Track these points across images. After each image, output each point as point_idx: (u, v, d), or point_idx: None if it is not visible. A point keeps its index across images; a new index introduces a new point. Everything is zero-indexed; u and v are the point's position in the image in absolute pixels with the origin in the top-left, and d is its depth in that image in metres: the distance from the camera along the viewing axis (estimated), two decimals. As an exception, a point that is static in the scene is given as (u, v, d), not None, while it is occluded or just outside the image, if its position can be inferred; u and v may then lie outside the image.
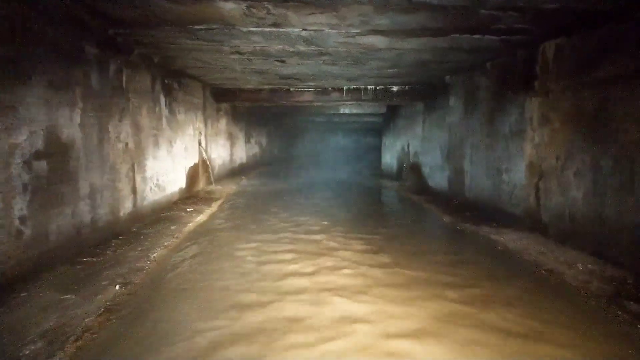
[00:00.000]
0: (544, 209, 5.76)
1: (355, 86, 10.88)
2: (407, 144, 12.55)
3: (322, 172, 17.91)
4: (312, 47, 6.28)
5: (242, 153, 15.96)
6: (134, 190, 6.30)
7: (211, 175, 10.94)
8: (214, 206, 8.21)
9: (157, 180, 7.36)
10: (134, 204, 6.32)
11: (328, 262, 4.81)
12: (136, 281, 4.04)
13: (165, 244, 5.27)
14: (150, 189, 7.04)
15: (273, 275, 4.34)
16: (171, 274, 4.35)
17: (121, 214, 5.87)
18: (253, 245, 5.49)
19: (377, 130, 27.98)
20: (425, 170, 10.76)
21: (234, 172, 14.49)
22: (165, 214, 7.12)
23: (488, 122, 7.35)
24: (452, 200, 8.74)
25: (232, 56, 6.93)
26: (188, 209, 7.59)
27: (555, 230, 5.52)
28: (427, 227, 6.87)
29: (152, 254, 4.79)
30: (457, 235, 6.26)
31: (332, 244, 5.65)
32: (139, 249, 4.99)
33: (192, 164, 9.65)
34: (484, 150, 7.49)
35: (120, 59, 5.88)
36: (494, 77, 7.18)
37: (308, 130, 28.75)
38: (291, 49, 6.41)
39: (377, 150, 29.19)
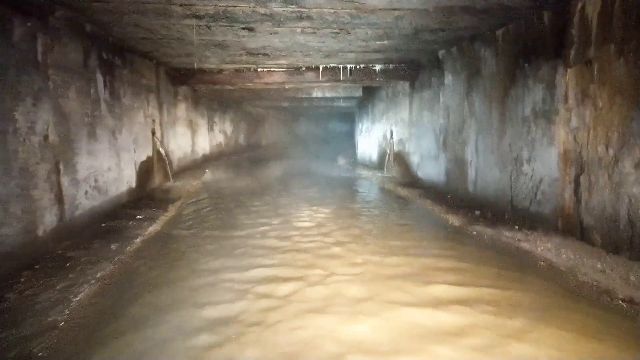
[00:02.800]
0: (585, 210, 4.61)
1: (333, 65, 9.51)
2: (389, 130, 11.31)
3: (292, 162, 16.55)
4: (290, 7, 4.88)
5: (205, 143, 14.37)
6: (59, 198, 4.78)
7: (169, 170, 9.40)
8: (171, 210, 6.73)
9: (96, 181, 5.83)
10: (60, 216, 4.80)
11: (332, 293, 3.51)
12: (40, 354, 2.60)
13: (98, 275, 3.81)
14: (86, 193, 5.51)
15: (249, 321, 3.02)
16: (99, 333, 2.93)
17: (39, 231, 4.36)
18: (215, 277, 4.09)
19: (348, 115, 26.74)
20: (414, 159, 9.56)
21: (197, 165, 12.92)
22: (107, 224, 5.61)
23: (499, 102, 6.16)
24: (450, 194, 7.56)
25: (186, 21, 5.44)
26: (138, 216, 6.09)
27: (603, 237, 4.37)
28: (432, 233, 5.59)
29: (76, 296, 3.32)
30: (475, 243, 5.06)
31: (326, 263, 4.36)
32: (58, 285, 3.52)
33: (144, 158, 8.10)
34: (494, 135, 6.31)
35: (31, 21, 4.32)
36: (506, 47, 5.97)
37: (274, 117, 27.21)
38: (263, 10, 4.99)
39: (348, 137, 28.06)
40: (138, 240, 4.99)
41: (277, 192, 8.50)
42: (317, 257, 4.51)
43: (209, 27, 5.81)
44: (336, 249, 4.82)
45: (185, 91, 11.68)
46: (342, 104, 17.44)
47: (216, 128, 15.97)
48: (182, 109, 11.48)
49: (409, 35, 6.43)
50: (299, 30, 5.99)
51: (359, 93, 14.37)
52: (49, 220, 4.54)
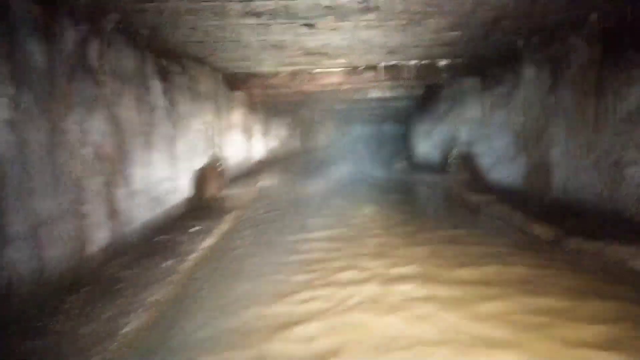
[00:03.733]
0: None
1: (394, 62, 8.92)
2: (454, 131, 10.54)
3: (348, 166, 16.06)
4: (357, -3, 4.37)
5: (260, 148, 14.16)
6: (112, 213, 4.51)
7: (225, 177, 9.14)
8: (227, 221, 6.38)
9: (151, 192, 5.58)
10: (113, 232, 4.53)
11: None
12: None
13: (149, 300, 3.45)
14: (140, 206, 5.25)
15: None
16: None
17: (90, 250, 4.08)
18: (289, 302, 3.64)
19: (404, 116, 25.90)
20: (484, 162, 8.77)
21: (252, 171, 12.70)
22: (160, 238, 5.33)
23: (594, 97, 5.35)
24: (530, 201, 6.76)
25: (244, 20, 5.06)
26: (192, 229, 5.78)
27: None
28: (520, 249, 4.85)
29: (124, 328, 2.96)
30: (574, 262, 4.31)
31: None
32: (105, 314, 3.17)
33: (200, 166, 7.86)
34: (587, 135, 5.50)
35: (83, 25, 4.06)
36: (604, 33, 5.17)
37: (329, 120, 26.81)
38: (327, 2, 4.51)
39: (403, 139, 27.18)
40: (193, 256, 4.63)
41: (337, 202, 7.98)
42: (387, 294, 3.89)
43: (267, 26, 5.40)
44: (405, 281, 4.23)
45: (241, 96, 11.46)
46: (400, 104, 16.70)
47: (272, 133, 15.76)
48: (238, 115, 11.26)
49: (487, 23, 5.74)
50: (363, 24, 5.47)
51: (418, 92, 13.63)
52: (100, 237, 4.27)
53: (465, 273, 4.10)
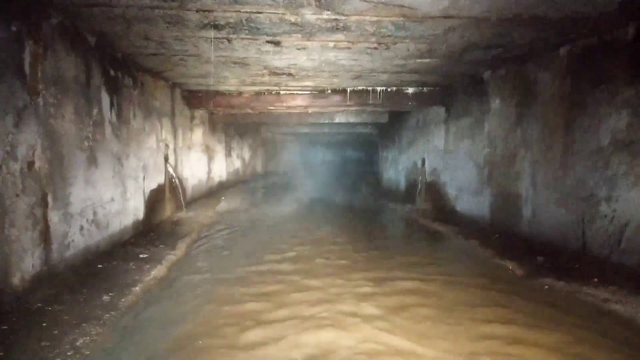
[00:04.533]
0: (695, 264, 3.65)
1: (361, 87, 8.76)
2: (420, 159, 10.43)
3: (312, 190, 15.67)
4: (326, 14, 4.11)
5: (221, 169, 13.66)
6: (44, 237, 3.98)
7: (181, 198, 8.62)
8: (181, 247, 5.88)
9: (94, 214, 5.04)
10: (46, 259, 3.99)
11: None
12: None
13: (79, 342, 2.95)
14: (81, 229, 4.71)
15: None
16: None
17: (15, 279, 3.54)
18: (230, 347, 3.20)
19: (367, 143, 25.92)
20: (450, 192, 8.62)
21: (212, 192, 12.17)
22: (104, 265, 4.79)
23: (563, 131, 5.27)
24: (497, 234, 6.59)
25: (203, 33, 4.71)
26: (142, 255, 5.27)
27: None
28: (490, 287, 4.53)
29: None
30: (548, 303, 4.06)
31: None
32: (21, 362, 2.67)
33: (154, 187, 7.34)
34: (556, 169, 5.39)
35: (17, 26, 3.61)
36: (572, 67, 5.11)
37: (292, 142, 26.58)
38: (293, 18, 4.23)
39: (367, 165, 27.17)
40: (137, 288, 4.13)
41: (299, 229, 7.59)
42: (343, 329, 3.57)
43: (229, 41, 5.07)
44: (371, 315, 3.89)
45: (201, 115, 11.03)
46: (364, 130, 16.65)
47: (234, 154, 15.30)
48: (198, 134, 10.80)
49: (455, 52, 5.62)
50: (331, 44, 5.23)
51: (384, 119, 13.55)
52: (29, 265, 3.73)
53: (439, 302, 3.80)
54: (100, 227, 5.21)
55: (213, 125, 12.36)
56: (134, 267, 4.78)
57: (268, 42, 5.11)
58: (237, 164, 15.89)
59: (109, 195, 5.46)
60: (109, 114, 5.49)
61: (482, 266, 5.28)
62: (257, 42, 5.15)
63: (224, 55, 5.84)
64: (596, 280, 4.38)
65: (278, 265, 5.21)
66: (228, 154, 14.56)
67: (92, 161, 5.02)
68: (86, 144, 4.88)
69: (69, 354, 2.79)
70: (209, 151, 12.03)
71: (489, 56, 5.86)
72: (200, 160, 11.15)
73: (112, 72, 5.61)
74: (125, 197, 5.99)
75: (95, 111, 5.10)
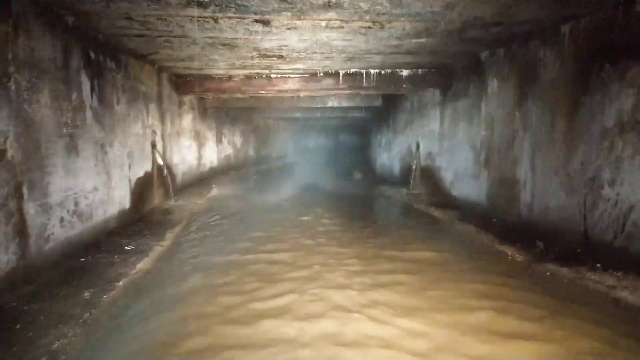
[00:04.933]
0: None
1: (355, 70, 8.50)
2: (415, 143, 10.23)
3: (306, 176, 15.50)
4: (317, -11, 3.85)
5: (212, 155, 13.38)
6: (19, 230, 3.74)
7: (170, 186, 8.37)
8: (169, 237, 5.67)
9: (76, 205, 4.80)
10: (22, 254, 3.76)
11: None
12: None
13: (55, 345, 2.74)
14: (61, 221, 4.48)
15: None
16: None
17: (-13, 276, 3.32)
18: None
19: (361, 127, 25.65)
20: (446, 176, 8.44)
21: (203, 179, 11.92)
22: (87, 258, 4.57)
23: (565, 112, 5.06)
24: (495, 219, 6.43)
25: (188, 11, 4.43)
26: (127, 246, 5.05)
27: None
28: (490, 274, 4.38)
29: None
30: (553, 290, 3.90)
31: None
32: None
33: (141, 174, 7.08)
34: (558, 152, 5.20)
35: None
36: (576, 45, 4.89)
37: (285, 128, 26.26)
38: (282, -6, 3.96)
39: (361, 149, 26.94)
40: (121, 284, 3.92)
41: (293, 215, 7.38)
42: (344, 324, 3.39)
43: (215, 20, 4.80)
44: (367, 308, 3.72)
45: (191, 100, 10.73)
46: (358, 114, 16.38)
47: (225, 140, 15.00)
48: (187, 120, 10.50)
49: (453, 31, 5.37)
50: (323, 23, 4.96)
51: (378, 102, 13.28)
52: (2, 261, 3.50)
53: (436, 293, 3.62)
54: (83, 218, 4.97)
55: (203, 111, 12.06)
56: (118, 260, 4.56)
57: (257, 21, 4.84)
58: (229, 150, 15.61)
59: (92, 184, 5.21)
60: (90, 99, 5.22)
61: (480, 252, 5.12)
62: (245, 22, 4.88)
63: (211, 37, 5.56)
64: (599, 266, 4.22)
65: (271, 256, 5.00)
66: (219, 140, 14.27)
67: (73, 149, 4.76)
68: (65, 130, 4.61)
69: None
70: (199, 137, 11.74)
71: (488, 35, 5.62)
72: (190, 147, 10.88)
73: (92, 55, 5.32)
74: (109, 185, 5.74)
75: (74, 96, 4.83)
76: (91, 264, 4.39)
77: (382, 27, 5.14)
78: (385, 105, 12.81)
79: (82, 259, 4.54)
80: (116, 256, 4.66)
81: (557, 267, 4.32)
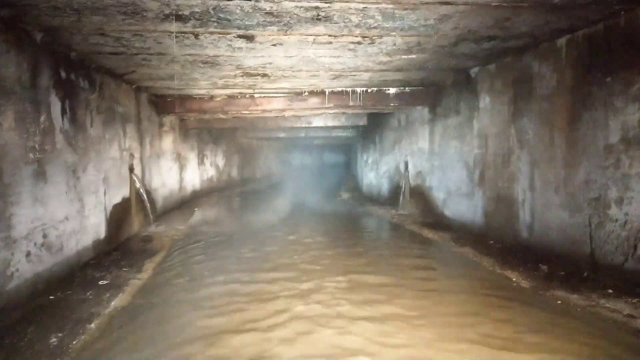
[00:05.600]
0: None
1: (341, 88, 8.28)
2: (404, 162, 10.01)
3: (291, 197, 15.13)
4: (305, 1, 3.59)
5: (194, 178, 12.97)
6: (-24, 270, 3.33)
7: (150, 212, 7.95)
8: (147, 269, 5.25)
9: (45, 237, 4.39)
10: (-22, 295, 3.35)
11: None
12: None
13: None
14: (28, 255, 4.06)
15: None
16: None
17: None
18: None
19: (345, 146, 25.54)
20: (438, 195, 8.20)
21: (185, 203, 11.49)
22: (57, 295, 4.15)
23: (565, 128, 4.87)
24: (493, 240, 6.18)
25: (166, 26, 4.13)
26: (102, 281, 4.63)
27: None
28: (497, 301, 4.11)
29: None
30: (569, 321, 3.60)
31: None
32: None
33: (118, 200, 6.67)
34: (558, 169, 4.98)
35: None
36: (575, 58, 4.72)
37: (269, 148, 25.97)
38: (268, 7, 3.69)
39: (345, 168, 26.75)
40: (93, 325, 3.51)
41: (278, 242, 6.99)
42: None
43: (195, 36, 4.51)
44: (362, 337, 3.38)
45: (171, 121, 10.36)
46: (342, 133, 16.21)
47: (207, 161, 14.61)
48: (168, 141, 10.12)
49: (446, 46, 5.18)
50: (310, 39, 4.71)
51: (363, 121, 13.08)
52: (-45, 305, 3.08)
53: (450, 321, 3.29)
54: (53, 250, 4.55)
55: (184, 132, 11.69)
56: (91, 296, 4.14)
57: (240, 36, 4.56)
58: (211, 171, 15.21)
59: (63, 213, 4.80)
60: (60, 121, 4.84)
61: (481, 278, 4.80)
62: (227, 38, 4.60)
63: (191, 54, 5.27)
64: (611, 292, 3.97)
65: (257, 287, 4.63)
66: (201, 161, 13.88)
67: (41, 175, 4.37)
68: (32, 155, 4.23)
69: None
70: (180, 159, 11.35)
71: (480, 50, 5.44)
72: (171, 170, 10.48)
73: (63, 74, 4.97)
74: (82, 214, 5.33)
75: (43, 118, 4.46)
76: (61, 302, 3.97)
77: (372, 42, 4.91)
78: (371, 123, 12.63)
79: (52, 297, 4.11)
80: (89, 292, 4.24)
81: (567, 294, 4.05)
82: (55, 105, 4.76)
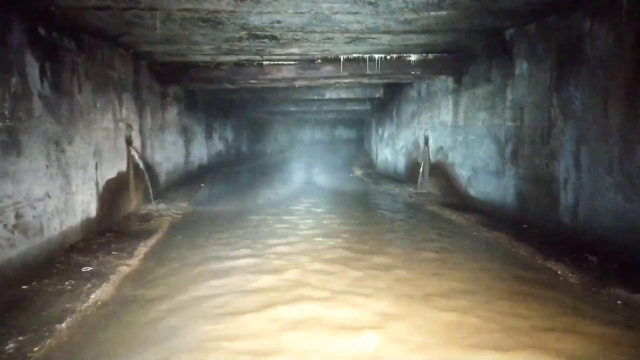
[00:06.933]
0: None
1: (357, 55, 7.54)
2: (423, 137, 9.29)
3: (301, 172, 14.58)
4: None
5: (202, 152, 12.41)
6: None
7: (150, 188, 7.38)
8: (139, 253, 4.68)
9: (18, 217, 3.83)
10: None
11: None
12: None
13: None
14: (-5, 239, 3.51)
15: None
16: None
17: None
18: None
19: (357, 121, 24.78)
20: (462, 173, 7.51)
21: (191, 178, 10.96)
22: (31, 285, 3.60)
23: (623, 98, 4.13)
24: (524, 224, 5.51)
25: (152, -33, 3.45)
26: (85, 267, 4.09)
27: None
28: (544, 302, 3.43)
29: None
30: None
31: None
32: None
33: (113, 175, 6.10)
34: (611, 145, 4.26)
35: None
36: (637, 15, 3.96)
37: (279, 122, 25.31)
38: (273, -62, 2.99)
39: (357, 144, 26.03)
40: (64, 325, 2.95)
41: (288, 225, 6.33)
42: None
43: (190, -16, 3.82)
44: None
45: (176, 92, 9.74)
46: (356, 107, 15.46)
47: (215, 135, 14.02)
48: (173, 113, 9.52)
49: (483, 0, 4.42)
50: (326, -13, 4.00)
51: (379, 93, 12.37)
52: None
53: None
54: (29, 232, 3.99)
55: (191, 105, 11.07)
56: (70, 287, 3.59)
57: (242, -16, 3.87)
58: (220, 146, 14.64)
59: (42, 191, 4.23)
60: (38, 85, 4.23)
61: (520, 269, 4.16)
62: (227, -14, 3.91)
63: (188, 8, 4.58)
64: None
65: (261, 280, 4.05)
66: (209, 135, 13.29)
67: (12, 147, 3.78)
68: (1, 124, 3.63)
69: None
70: (186, 132, 10.76)
71: (521, 6, 4.67)
72: (176, 143, 9.90)
73: (42, 31, 4.33)
74: (68, 190, 4.76)
75: (14, 80, 3.84)
76: (33, 295, 3.42)
77: (396, -6, 4.18)
78: (387, 95, 11.90)
79: (25, 287, 3.57)
80: (67, 282, 3.69)
81: (628, 292, 3.39)
82: (32, 67, 4.14)
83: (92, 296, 3.44)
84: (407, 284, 3.80)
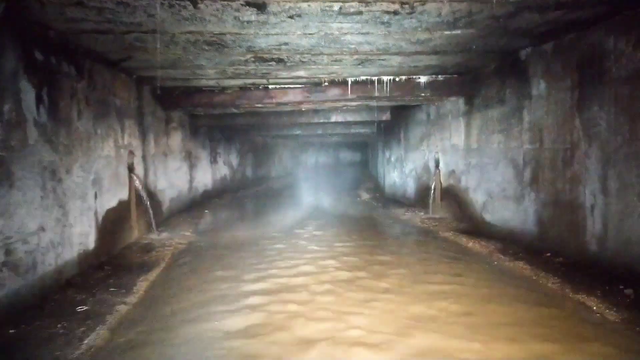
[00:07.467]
0: None
1: (365, 77, 7.35)
2: (433, 160, 9.02)
3: (308, 197, 14.28)
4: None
5: (206, 177, 12.18)
6: None
7: (152, 216, 7.11)
8: (139, 289, 4.38)
9: (9, 253, 3.55)
10: None
11: None
12: None
13: None
14: (-19, 278, 3.24)
15: None
16: None
17: None
18: None
19: (361, 144, 24.62)
20: (476, 198, 7.21)
21: (196, 204, 10.69)
22: (20, 328, 3.31)
23: (654, 116, 3.87)
24: (547, 252, 5.19)
25: (153, -12, 3.27)
26: (80, 307, 3.79)
27: None
28: (580, 345, 3.09)
29: None
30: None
31: None
32: None
33: (113, 204, 5.85)
34: (642, 169, 3.99)
35: None
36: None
37: (284, 146, 25.14)
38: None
39: (362, 167, 25.80)
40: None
41: (297, 253, 6.05)
42: None
43: (194, 5, 3.63)
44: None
45: (180, 117, 9.57)
46: (361, 130, 15.21)
47: (220, 160, 13.82)
48: (176, 138, 9.33)
49: (500, 18, 4.22)
50: (336, 7, 3.80)
51: (386, 116, 12.12)
52: None
53: None
54: (21, 270, 3.72)
55: (195, 129, 10.88)
56: (62, 330, 3.30)
57: (249, 4, 3.67)
58: (224, 170, 14.41)
59: (36, 224, 3.97)
60: (34, 112, 4.02)
61: (549, 304, 3.83)
62: (233, 6, 3.72)
63: (192, 31, 4.41)
64: None
65: (271, 319, 3.74)
66: (213, 160, 13.09)
67: (5, 178, 3.54)
68: (-8, 153, 3.40)
69: None
70: (190, 158, 10.55)
71: (542, 22, 4.46)
72: (180, 169, 9.68)
73: (39, 56, 4.15)
74: (65, 222, 4.49)
75: (7, 107, 3.62)
76: (20, 340, 3.13)
77: (411, 12, 3.97)
78: (394, 118, 11.66)
79: (12, 330, 3.28)
80: (60, 324, 3.39)
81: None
82: (28, 93, 3.94)
83: (86, 341, 3.14)
84: (432, 312, 3.48)
